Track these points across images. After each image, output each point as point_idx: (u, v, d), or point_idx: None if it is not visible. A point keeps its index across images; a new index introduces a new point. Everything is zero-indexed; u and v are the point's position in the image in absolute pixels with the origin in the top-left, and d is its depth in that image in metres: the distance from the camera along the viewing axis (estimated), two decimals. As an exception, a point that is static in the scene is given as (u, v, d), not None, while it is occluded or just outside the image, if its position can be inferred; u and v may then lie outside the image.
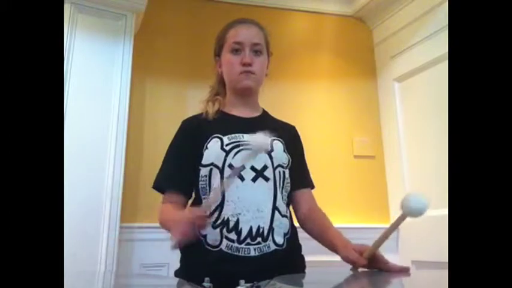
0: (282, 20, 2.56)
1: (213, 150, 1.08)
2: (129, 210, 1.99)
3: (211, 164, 1.08)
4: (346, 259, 0.99)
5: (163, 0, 2.36)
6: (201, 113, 1.19)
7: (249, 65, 1.14)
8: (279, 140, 1.15)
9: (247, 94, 1.19)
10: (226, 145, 1.08)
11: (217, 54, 1.22)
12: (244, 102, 1.19)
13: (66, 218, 1.24)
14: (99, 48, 1.96)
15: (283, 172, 1.12)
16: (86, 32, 1.93)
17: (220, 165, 1.07)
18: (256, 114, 1.22)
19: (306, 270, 1.13)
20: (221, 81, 1.23)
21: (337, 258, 1.08)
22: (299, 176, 1.19)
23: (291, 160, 1.15)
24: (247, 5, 2.49)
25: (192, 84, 2.28)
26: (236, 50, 1.15)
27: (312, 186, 1.24)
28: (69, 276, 0.81)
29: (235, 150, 1.08)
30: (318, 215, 1.18)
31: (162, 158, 1.16)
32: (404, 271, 0.96)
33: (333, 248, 1.06)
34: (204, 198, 1.09)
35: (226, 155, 1.07)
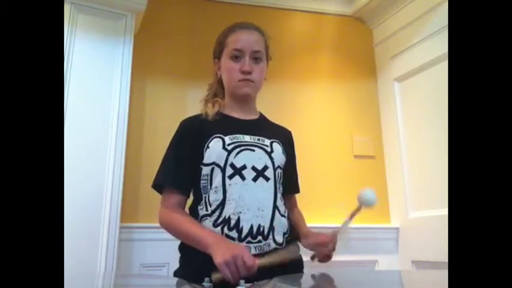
0: (282, 20, 2.56)
1: (214, 150, 1.09)
2: (129, 210, 1.99)
3: (213, 163, 1.09)
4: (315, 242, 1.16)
5: (163, 0, 2.36)
6: (200, 114, 1.19)
7: (249, 73, 1.15)
8: (277, 142, 1.16)
9: (245, 100, 1.20)
10: (228, 145, 1.09)
11: (217, 57, 1.23)
12: (243, 106, 1.21)
13: (66, 218, 1.24)
14: (99, 48, 1.95)
15: (280, 173, 1.15)
16: (86, 32, 1.93)
17: (222, 164, 1.08)
18: (255, 117, 1.24)
19: (304, 270, 1.13)
20: (220, 82, 1.24)
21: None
22: (291, 180, 1.23)
23: (285, 163, 1.18)
24: (247, 5, 2.48)
25: (192, 84, 2.28)
26: (236, 57, 1.16)
27: (299, 192, 1.30)
28: (69, 276, 0.81)
29: (237, 150, 1.09)
30: (295, 212, 1.27)
31: (161, 158, 1.16)
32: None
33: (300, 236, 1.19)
34: (205, 197, 1.09)
35: (228, 154, 1.08)
